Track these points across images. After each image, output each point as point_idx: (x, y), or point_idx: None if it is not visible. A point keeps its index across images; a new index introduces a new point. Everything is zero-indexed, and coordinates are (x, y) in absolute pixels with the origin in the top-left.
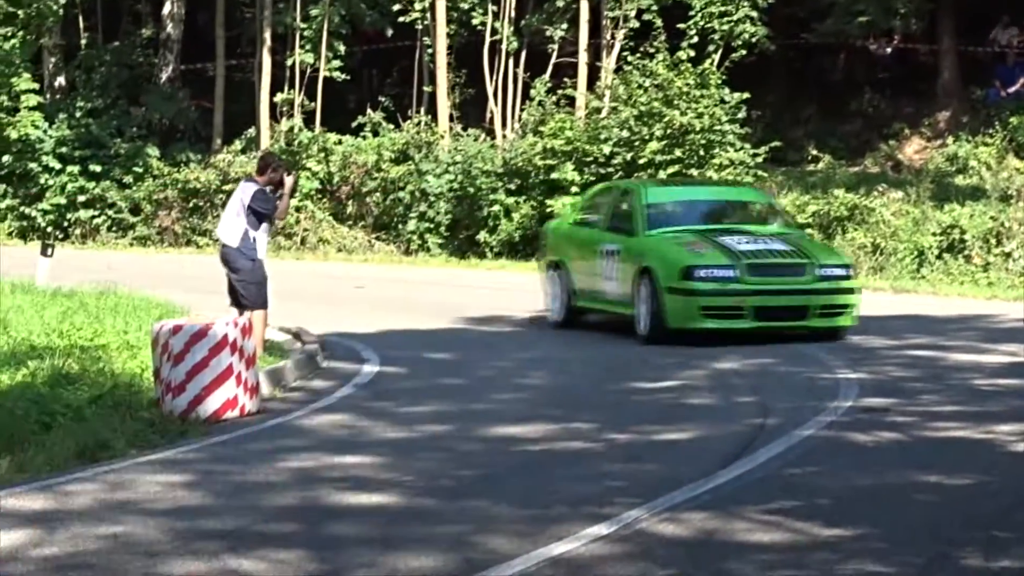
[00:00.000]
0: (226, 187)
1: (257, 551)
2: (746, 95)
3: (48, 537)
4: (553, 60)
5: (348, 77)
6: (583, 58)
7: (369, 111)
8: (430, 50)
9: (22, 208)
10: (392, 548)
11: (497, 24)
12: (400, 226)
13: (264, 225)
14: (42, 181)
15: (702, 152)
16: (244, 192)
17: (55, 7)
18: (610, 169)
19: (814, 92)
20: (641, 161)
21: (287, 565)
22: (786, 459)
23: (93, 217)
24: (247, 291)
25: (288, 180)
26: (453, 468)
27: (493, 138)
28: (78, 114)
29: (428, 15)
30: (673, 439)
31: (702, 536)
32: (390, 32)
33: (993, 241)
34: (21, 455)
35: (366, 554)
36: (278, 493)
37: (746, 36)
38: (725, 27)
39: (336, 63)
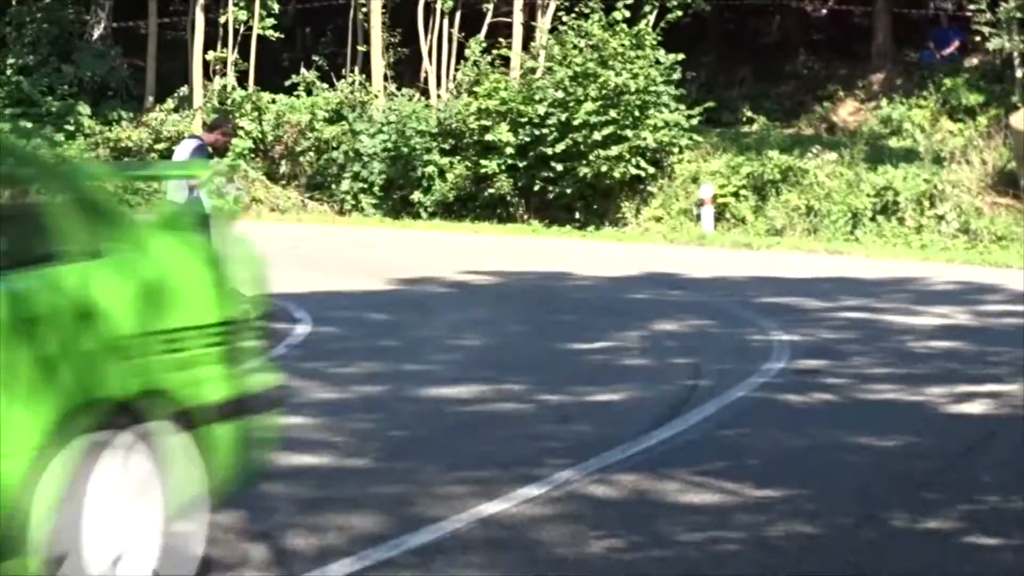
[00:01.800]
0: (158, 146)
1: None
2: (681, 56)
3: None
4: (488, 20)
5: (282, 36)
6: (518, 18)
7: (303, 70)
8: (364, 9)
9: None
10: (325, 509)
11: None
12: (334, 186)
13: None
14: None
15: (637, 113)
16: (186, 148)
17: None
18: (544, 130)
19: (749, 54)
20: (576, 122)
21: (214, 526)
22: (718, 421)
23: None
24: None
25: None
26: (386, 429)
27: (427, 98)
28: (8, 72)
29: None
30: (606, 400)
31: (633, 497)
32: None
33: (926, 203)
34: None
35: (298, 515)
36: None
37: None
38: None
39: (270, 21)
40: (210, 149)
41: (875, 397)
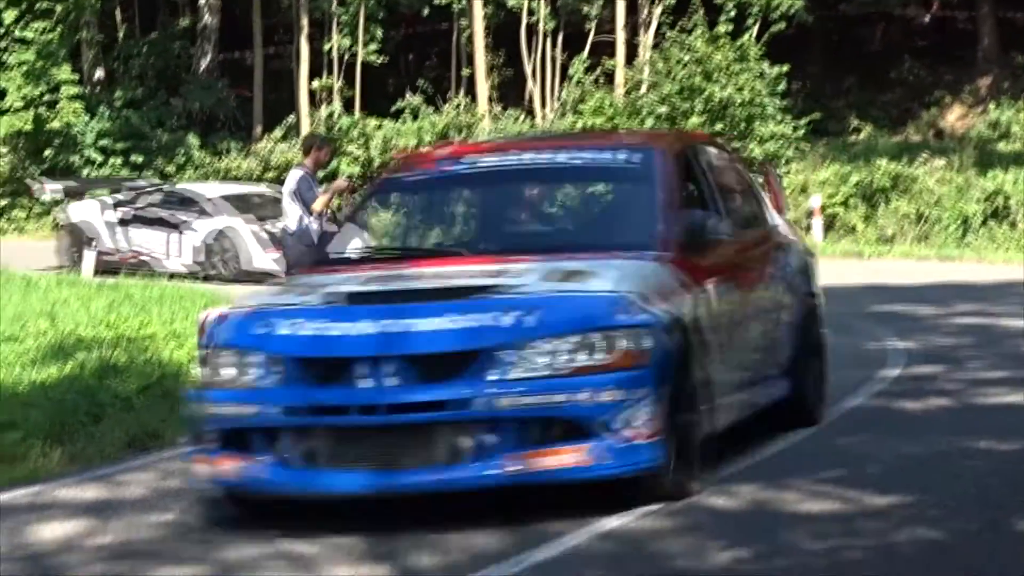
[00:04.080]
0: (267, 175)
1: (312, 534)
2: (786, 67)
3: (101, 526)
4: (590, 39)
5: (386, 61)
6: (621, 35)
7: (408, 95)
8: (467, 32)
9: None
10: (445, 527)
11: (533, 4)
12: None
13: None
14: (84, 174)
15: (743, 126)
16: (291, 178)
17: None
18: None
19: (853, 62)
20: None
21: (341, 548)
22: (836, 429)
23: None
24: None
25: (342, 183)
26: None
27: (533, 118)
28: (117, 104)
29: None
30: None
31: (753, 507)
32: (427, 14)
33: None
34: (72, 447)
35: (420, 534)
36: None
37: (784, 8)
38: (763, 0)
39: (374, 47)
40: (311, 177)
41: (993, 401)
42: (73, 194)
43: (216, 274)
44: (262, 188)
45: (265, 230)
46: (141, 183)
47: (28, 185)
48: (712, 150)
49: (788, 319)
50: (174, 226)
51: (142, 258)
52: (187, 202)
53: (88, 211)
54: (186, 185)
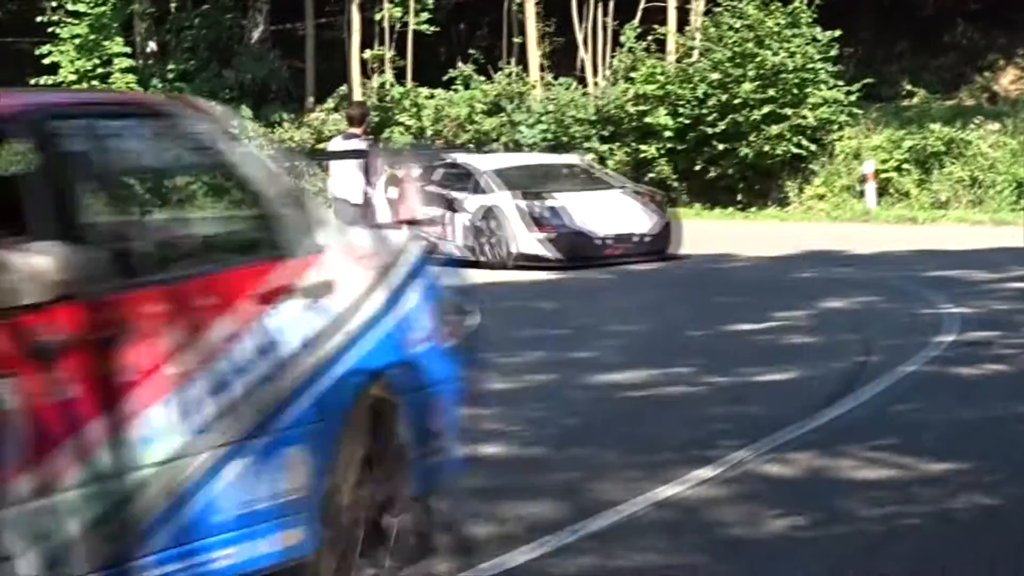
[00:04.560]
0: (320, 146)
1: None
2: (838, 32)
3: None
4: (642, 5)
5: (437, 30)
6: (672, 2)
7: (459, 64)
8: (518, 1)
9: None
10: (501, 497)
11: None
12: None
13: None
14: None
15: (796, 91)
16: (358, 149)
17: None
18: (703, 111)
19: (906, 27)
20: (736, 102)
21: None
22: (890, 396)
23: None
24: None
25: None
26: (559, 416)
27: (584, 86)
28: (170, 76)
29: None
30: (776, 379)
31: (809, 475)
32: None
33: None
34: None
35: (476, 505)
36: None
37: None
38: None
39: (425, 16)
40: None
41: None
42: None
43: (485, 260)
44: (571, 158)
45: (535, 207)
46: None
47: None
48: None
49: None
50: (449, 204)
51: None
52: (464, 176)
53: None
54: (469, 157)
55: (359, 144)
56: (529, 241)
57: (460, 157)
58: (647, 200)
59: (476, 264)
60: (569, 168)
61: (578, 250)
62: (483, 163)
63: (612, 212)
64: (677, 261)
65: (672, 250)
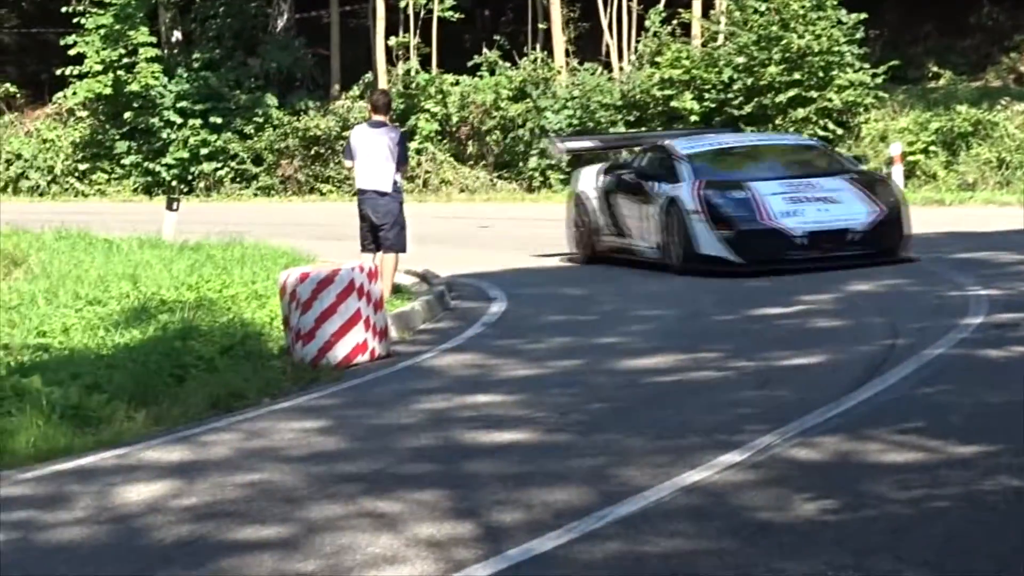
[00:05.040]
0: (346, 133)
1: (394, 492)
2: (863, 15)
3: (187, 487)
4: None
5: (462, 17)
6: None
7: (485, 50)
8: None
9: (146, 164)
10: (527, 484)
11: None
12: (521, 164)
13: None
14: (164, 136)
15: (822, 74)
16: (390, 136)
17: None
18: (729, 95)
19: (932, 8)
20: (762, 83)
21: (424, 505)
22: (918, 379)
23: (216, 169)
24: (395, 235)
25: None
26: (585, 402)
27: (610, 71)
28: (196, 65)
29: None
30: (803, 364)
31: (836, 459)
32: None
33: None
34: (156, 408)
35: (501, 491)
36: (412, 435)
37: None
38: None
39: (450, 3)
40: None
41: None
42: (590, 155)
43: (670, 262)
44: (805, 140)
45: (718, 197)
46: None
47: (544, 146)
48: None
49: None
50: (644, 196)
51: (619, 242)
52: (666, 162)
53: (587, 179)
54: (676, 140)
55: (391, 133)
56: (709, 240)
57: (668, 141)
58: (871, 186)
59: (665, 267)
60: (796, 151)
61: (768, 252)
62: (685, 146)
63: (822, 204)
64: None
65: (901, 251)
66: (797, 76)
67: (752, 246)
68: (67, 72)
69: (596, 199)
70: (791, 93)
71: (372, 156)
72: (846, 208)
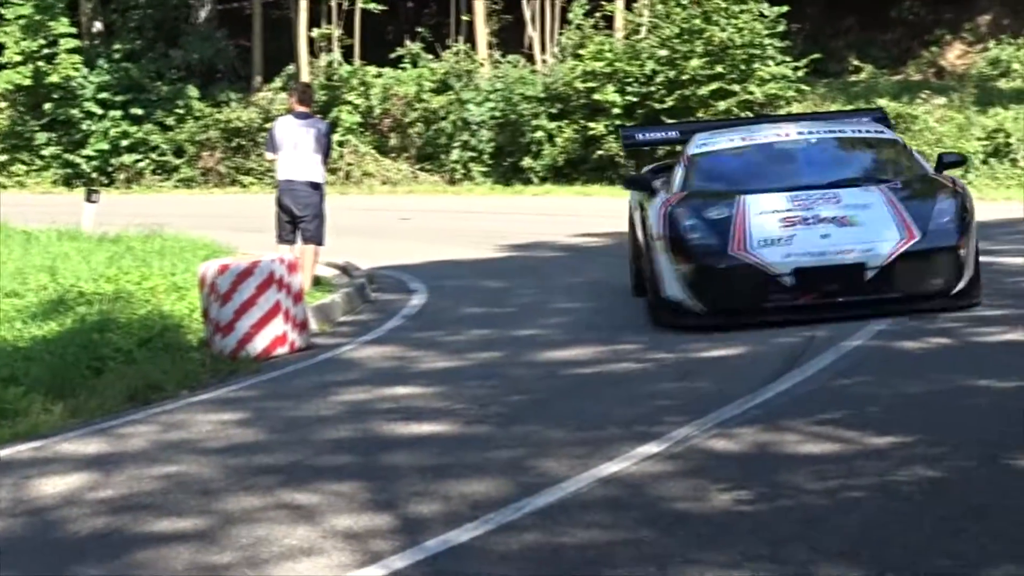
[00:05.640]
0: (268, 125)
1: (311, 484)
2: (785, 8)
3: (103, 480)
4: None
5: (385, 8)
6: None
7: (407, 42)
8: None
9: (66, 155)
10: (446, 476)
11: None
12: (444, 156)
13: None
14: (84, 127)
15: (743, 67)
16: (318, 128)
17: None
18: (652, 88)
19: (853, 2)
20: (684, 78)
21: (342, 496)
22: (835, 370)
23: (137, 161)
24: (315, 227)
25: None
26: (504, 394)
27: (533, 64)
28: (116, 56)
29: None
30: (721, 355)
31: (754, 450)
32: None
33: None
34: (73, 400)
35: (419, 483)
36: (331, 426)
37: None
38: None
39: None
40: None
41: (993, 339)
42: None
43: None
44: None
45: (685, 217)
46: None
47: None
48: None
49: None
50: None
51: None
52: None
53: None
54: (702, 134)
55: (318, 124)
56: (671, 278)
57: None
58: (925, 199)
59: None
60: (853, 146)
61: (736, 297)
62: (702, 141)
63: (830, 226)
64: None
65: (952, 296)
66: (719, 69)
67: (716, 287)
68: None
69: (633, 215)
70: (713, 86)
71: (301, 148)
72: (864, 233)
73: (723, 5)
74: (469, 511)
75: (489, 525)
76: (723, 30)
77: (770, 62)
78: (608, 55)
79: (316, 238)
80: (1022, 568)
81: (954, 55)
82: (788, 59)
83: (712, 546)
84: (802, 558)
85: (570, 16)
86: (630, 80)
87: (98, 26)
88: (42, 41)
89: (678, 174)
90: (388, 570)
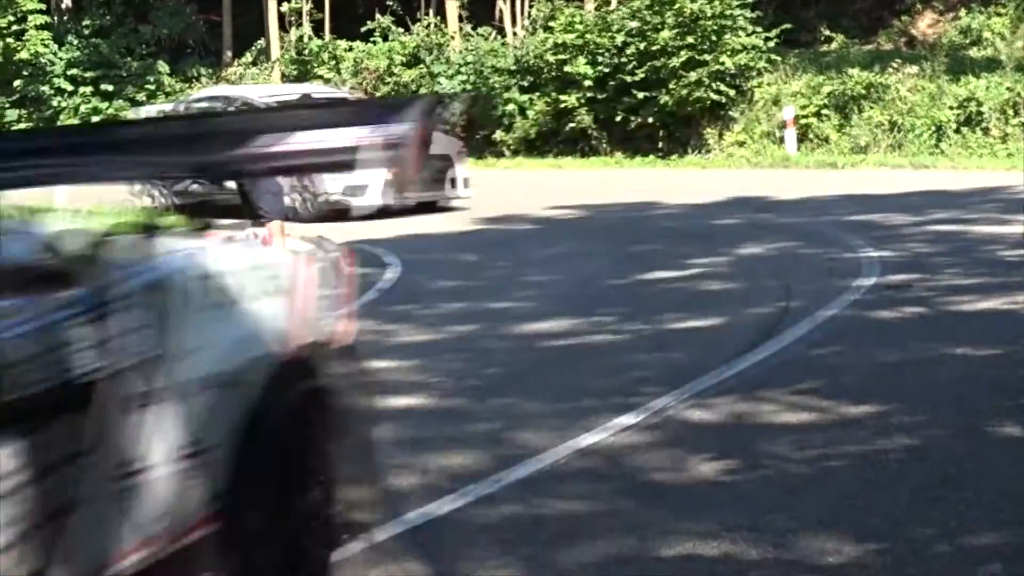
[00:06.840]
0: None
1: None
2: None
3: None
4: None
5: None
6: None
7: (378, 16)
8: None
9: None
10: (423, 449)
11: None
12: None
13: None
14: (55, 104)
15: (714, 38)
16: None
17: None
18: (623, 59)
19: None
20: (654, 48)
21: None
22: (811, 340)
23: None
24: (266, 202)
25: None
26: (480, 367)
27: (504, 36)
28: (86, 32)
29: None
30: (698, 326)
31: (731, 420)
32: None
33: (1010, 112)
34: None
35: (397, 456)
36: None
37: None
38: None
39: None
40: None
41: (968, 308)
42: None
43: None
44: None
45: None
46: None
47: None
48: None
49: None
50: None
51: None
52: None
53: None
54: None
55: None
56: None
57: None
58: None
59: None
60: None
61: None
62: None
63: None
64: (601, 210)
65: None
66: (690, 40)
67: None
68: None
69: None
70: (684, 57)
71: None
72: None
73: None
74: (448, 483)
75: (468, 497)
76: (693, 1)
77: (741, 32)
78: (579, 27)
79: (273, 213)
80: (1001, 535)
81: (925, 24)
82: (759, 29)
83: (691, 516)
84: (781, 527)
85: None
86: (601, 52)
87: (67, 2)
88: (11, 17)
89: None
90: (367, 543)
